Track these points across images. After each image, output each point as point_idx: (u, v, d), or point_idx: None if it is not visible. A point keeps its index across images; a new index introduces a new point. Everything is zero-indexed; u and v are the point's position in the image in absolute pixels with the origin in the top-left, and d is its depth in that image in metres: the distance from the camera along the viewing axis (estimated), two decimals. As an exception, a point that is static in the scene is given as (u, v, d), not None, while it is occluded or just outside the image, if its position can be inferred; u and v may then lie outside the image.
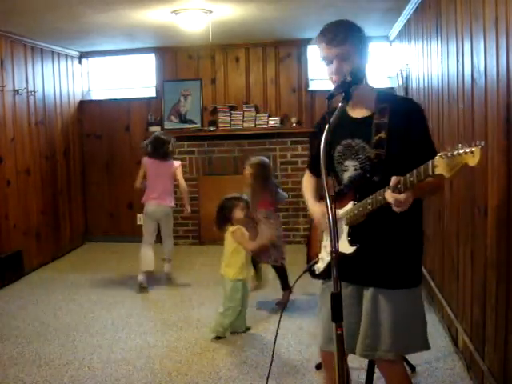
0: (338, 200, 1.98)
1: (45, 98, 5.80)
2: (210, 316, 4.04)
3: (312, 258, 2.20)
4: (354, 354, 2.09)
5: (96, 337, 3.70)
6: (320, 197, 2.19)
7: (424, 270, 4.26)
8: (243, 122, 6.24)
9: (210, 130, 6.27)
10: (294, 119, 6.17)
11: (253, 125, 6.22)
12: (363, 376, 2.59)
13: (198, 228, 6.45)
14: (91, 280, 5.08)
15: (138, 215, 6.65)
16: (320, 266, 2.10)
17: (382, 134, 1.90)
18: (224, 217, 3.69)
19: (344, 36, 1.86)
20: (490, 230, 2.54)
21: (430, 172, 1.57)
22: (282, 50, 6.27)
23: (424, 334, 2.03)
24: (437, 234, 3.79)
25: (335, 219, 1.52)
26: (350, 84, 1.78)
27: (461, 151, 1.47)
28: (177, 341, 3.61)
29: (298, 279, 2.19)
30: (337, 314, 1.50)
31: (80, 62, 6.62)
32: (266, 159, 4.44)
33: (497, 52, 2.33)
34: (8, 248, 5.05)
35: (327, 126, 1.66)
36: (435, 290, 3.82)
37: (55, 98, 6.05)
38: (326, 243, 2.07)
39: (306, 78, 6.29)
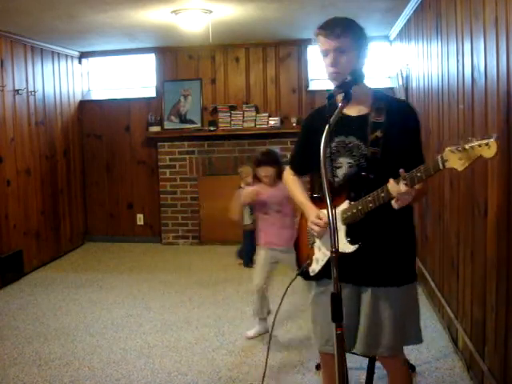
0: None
1: (45, 98, 5.80)
2: (210, 316, 4.04)
3: (303, 259, 2.16)
4: (351, 352, 2.10)
5: (96, 337, 3.70)
6: (309, 197, 2.17)
7: (424, 270, 4.26)
8: (243, 121, 6.23)
9: (210, 130, 6.26)
10: (294, 119, 6.17)
11: (253, 125, 6.21)
12: (363, 376, 2.59)
13: (198, 228, 6.45)
14: (91, 280, 5.07)
15: (138, 215, 6.66)
16: (315, 268, 2.07)
17: (378, 133, 1.91)
18: None
19: (342, 30, 1.88)
20: (489, 229, 2.54)
21: (441, 166, 1.58)
22: (282, 50, 6.27)
23: (419, 326, 2.07)
24: (437, 234, 3.79)
25: (335, 219, 1.52)
26: (350, 84, 1.79)
27: (475, 144, 1.47)
28: (177, 341, 3.61)
29: (291, 283, 2.18)
30: (337, 314, 1.50)
31: (80, 62, 6.62)
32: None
33: (497, 52, 2.33)
34: (8, 248, 5.05)
35: (327, 127, 1.66)
36: (435, 290, 3.82)
37: (55, 98, 6.05)
38: (321, 244, 2.04)
39: (306, 78, 6.28)
